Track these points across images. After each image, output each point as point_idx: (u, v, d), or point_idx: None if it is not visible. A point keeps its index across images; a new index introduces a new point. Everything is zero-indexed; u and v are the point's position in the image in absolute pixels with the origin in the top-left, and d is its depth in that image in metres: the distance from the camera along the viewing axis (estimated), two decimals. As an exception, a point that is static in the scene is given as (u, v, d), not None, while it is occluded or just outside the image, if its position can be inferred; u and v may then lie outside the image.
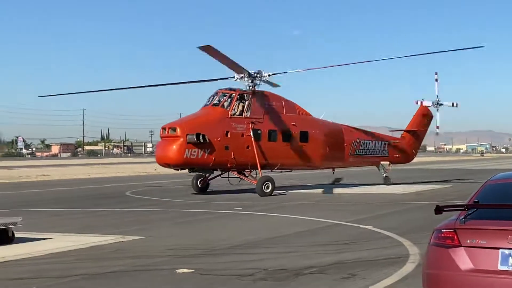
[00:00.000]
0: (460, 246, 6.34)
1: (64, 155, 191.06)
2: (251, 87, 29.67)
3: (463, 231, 6.40)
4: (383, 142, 35.30)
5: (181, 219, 19.43)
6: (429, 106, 37.40)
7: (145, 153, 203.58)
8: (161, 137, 29.15)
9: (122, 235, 14.97)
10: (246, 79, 29.60)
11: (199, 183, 29.37)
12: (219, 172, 30.48)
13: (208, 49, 27.23)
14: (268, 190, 27.10)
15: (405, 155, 37.19)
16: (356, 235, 14.97)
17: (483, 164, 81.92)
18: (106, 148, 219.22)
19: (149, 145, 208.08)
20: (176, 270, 10.57)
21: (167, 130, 27.95)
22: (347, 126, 34.49)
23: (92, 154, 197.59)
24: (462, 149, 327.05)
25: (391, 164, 35.66)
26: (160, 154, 28.57)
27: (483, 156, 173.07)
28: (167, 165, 28.70)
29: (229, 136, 27.92)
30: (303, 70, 34.82)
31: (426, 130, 38.81)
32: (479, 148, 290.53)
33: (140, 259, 11.90)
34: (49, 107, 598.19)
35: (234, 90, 29.43)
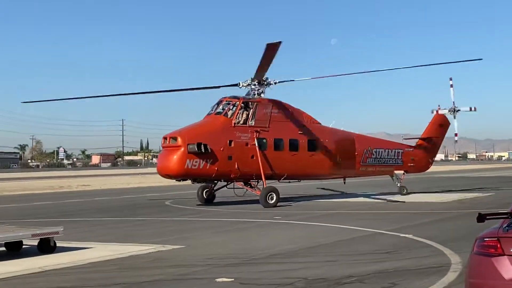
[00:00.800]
0: (504, 255, 6.26)
1: (104, 165, 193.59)
2: (257, 95, 29.17)
3: (507, 240, 6.32)
4: (396, 151, 34.22)
5: (220, 228, 19.54)
6: (447, 114, 36.49)
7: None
8: (162, 147, 28.56)
9: (162, 244, 15.13)
10: (253, 86, 29.03)
11: (205, 194, 28.80)
12: (224, 183, 29.87)
13: (274, 47, 26.54)
14: (273, 201, 26.36)
15: (420, 164, 36.10)
16: (396, 244, 14.87)
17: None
18: (146, 158, 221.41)
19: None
20: (216, 279, 10.61)
21: (168, 139, 27.22)
22: (359, 134, 33.76)
23: (132, 164, 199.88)
24: (504, 156, 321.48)
25: (405, 173, 34.42)
26: (161, 165, 27.76)
27: None
28: (168, 176, 27.69)
29: (232, 145, 27.17)
30: (311, 78, 33.59)
31: (443, 138, 37.81)
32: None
33: (179, 268, 11.99)
34: (90, 118, 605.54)
35: (238, 98, 28.73)
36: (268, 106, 28.74)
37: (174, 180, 29.32)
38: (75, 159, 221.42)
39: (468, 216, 20.00)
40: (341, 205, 28.21)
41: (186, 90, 34.34)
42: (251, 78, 28.90)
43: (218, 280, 10.56)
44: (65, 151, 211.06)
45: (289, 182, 31.79)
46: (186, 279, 10.90)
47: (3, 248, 13.92)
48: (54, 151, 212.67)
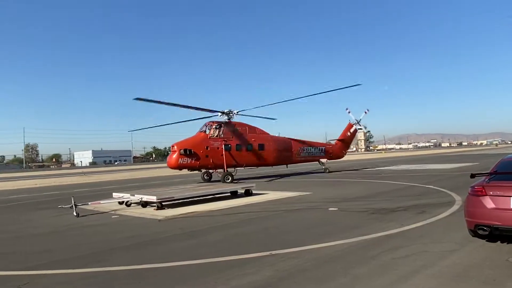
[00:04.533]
0: (486, 195, 6.23)
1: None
2: (226, 119, 25.59)
3: (488, 187, 6.29)
4: (320, 147, 29.71)
5: (325, 184, 19.19)
6: (353, 124, 31.89)
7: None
8: (171, 151, 24.86)
9: (300, 192, 15.23)
10: (224, 115, 25.62)
11: (205, 176, 25.37)
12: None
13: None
14: (228, 181, 22.84)
15: (337, 154, 31.23)
16: (424, 190, 14.25)
17: (497, 151, 72.11)
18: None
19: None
20: (329, 208, 10.84)
21: (172, 147, 24.03)
22: (295, 139, 28.98)
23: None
24: (483, 143, 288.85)
25: (327, 160, 29.84)
26: (168, 161, 24.35)
27: (497, 146, 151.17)
28: (171, 167, 23.83)
29: (208, 149, 23.65)
30: (268, 104, 27.47)
31: (352, 138, 32.87)
32: (494, 142, 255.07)
33: (311, 203, 12.25)
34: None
35: (213, 122, 24.58)
36: (232, 125, 25.40)
37: (178, 170, 24.60)
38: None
39: (464, 175, 18.76)
40: (378, 171, 26.98)
41: (191, 108, 26.64)
42: (229, 110, 25.61)
43: (330, 209, 10.77)
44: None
45: (250, 168, 27.54)
46: (314, 208, 11.18)
47: (229, 194, 14.57)
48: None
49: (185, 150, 23.10)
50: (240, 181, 22.89)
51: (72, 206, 12.03)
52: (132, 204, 13.06)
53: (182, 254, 6.64)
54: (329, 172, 28.48)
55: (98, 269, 6.00)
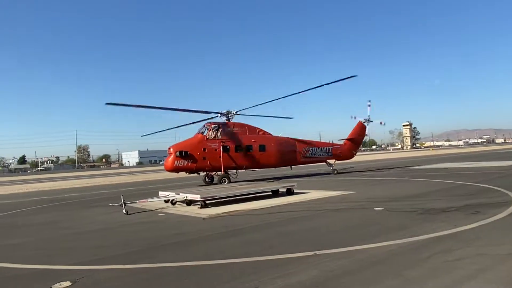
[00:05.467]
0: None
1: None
2: (226, 120, 24.70)
3: None
4: (327, 148, 28.03)
5: (369, 183, 18.74)
6: (363, 122, 29.82)
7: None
8: (168, 153, 24.21)
9: (343, 191, 15.03)
10: (223, 116, 24.75)
11: (206, 179, 24.32)
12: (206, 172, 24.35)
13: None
14: (225, 183, 21.86)
15: (345, 155, 29.20)
16: (477, 189, 13.45)
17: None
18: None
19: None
20: (374, 208, 10.56)
21: (168, 149, 23.53)
22: (299, 139, 27.44)
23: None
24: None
25: (335, 161, 28.39)
26: (164, 164, 24.08)
27: None
28: (167, 170, 23.38)
29: (206, 151, 23.01)
30: (264, 103, 25.56)
31: (362, 137, 30.77)
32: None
33: (354, 202, 11.99)
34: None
35: (211, 123, 24.11)
36: (231, 126, 24.46)
37: (174, 172, 24.08)
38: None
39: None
40: (426, 170, 25.69)
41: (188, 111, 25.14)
42: (226, 111, 24.71)
43: (375, 208, 10.49)
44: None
45: (252, 170, 26.85)
46: (358, 208, 10.93)
47: (270, 193, 14.64)
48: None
49: (180, 152, 22.72)
50: (242, 182, 22.12)
51: (122, 204, 12.61)
52: (177, 203, 13.47)
53: (227, 252, 6.74)
54: (337, 173, 27.32)
55: (147, 265, 6.24)
